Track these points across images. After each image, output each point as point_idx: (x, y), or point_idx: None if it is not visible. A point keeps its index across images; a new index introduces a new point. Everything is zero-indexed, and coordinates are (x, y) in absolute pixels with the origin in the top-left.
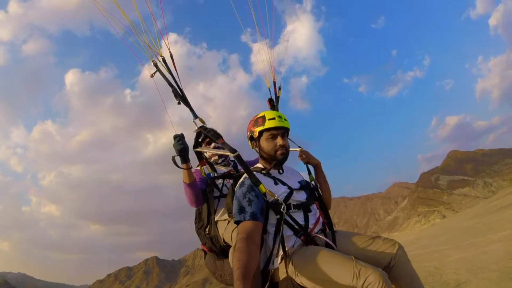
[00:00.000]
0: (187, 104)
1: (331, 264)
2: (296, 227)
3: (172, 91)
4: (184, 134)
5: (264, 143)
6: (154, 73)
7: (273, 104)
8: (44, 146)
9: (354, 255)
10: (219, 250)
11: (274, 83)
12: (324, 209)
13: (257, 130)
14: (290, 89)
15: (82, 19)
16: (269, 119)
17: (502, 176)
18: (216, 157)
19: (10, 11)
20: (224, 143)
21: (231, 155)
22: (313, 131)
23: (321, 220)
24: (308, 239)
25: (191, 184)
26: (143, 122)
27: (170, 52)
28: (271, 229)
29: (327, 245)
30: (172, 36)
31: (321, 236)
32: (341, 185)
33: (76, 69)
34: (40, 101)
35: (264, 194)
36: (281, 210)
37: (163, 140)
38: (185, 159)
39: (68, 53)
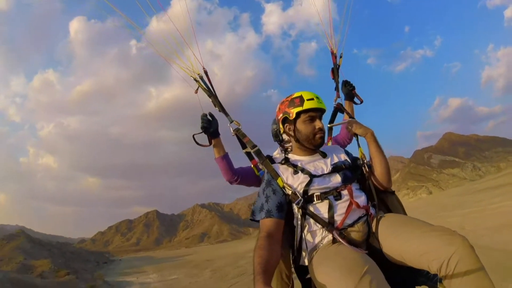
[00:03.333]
0: (223, 111)
1: (332, 275)
2: (323, 220)
3: (212, 101)
4: (212, 113)
5: (302, 126)
6: (197, 88)
7: (335, 74)
8: (44, 95)
9: (396, 251)
10: None
11: (332, 53)
12: (367, 190)
13: (294, 111)
14: (298, 53)
15: None
16: (307, 100)
17: (492, 162)
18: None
19: None
20: (248, 140)
21: (251, 151)
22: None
23: (354, 207)
24: (336, 234)
25: (219, 159)
26: (147, 76)
27: (204, 69)
28: (297, 223)
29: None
30: None
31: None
32: None
33: (81, 16)
34: (42, 49)
35: (283, 187)
36: (295, 204)
37: (166, 95)
38: (210, 136)
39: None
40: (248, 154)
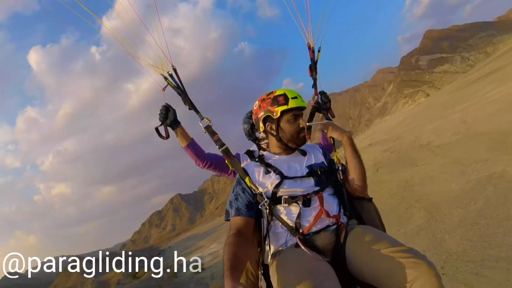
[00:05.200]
0: (194, 108)
1: (288, 279)
2: (288, 224)
3: (182, 99)
4: (169, 104)
5: (286, 125)
6: (166, 87)
7: (312, 71)
8: (32, 133)
9: (360, 268)
10: None
11: (309, 48)
12: (341, 197)
13: (278, 110)
14: None
15: None
16: (292, 98)
17: (478, 49)
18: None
19: None
20: (217, 139)
21: (219, 150)
22: (289, 37)
23: (323, 216)
24: (302, 239)
25: (185, 148)
26: (120, 75)
27: (173, 66)
28: (264, 223)
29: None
30: None
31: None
32: (326, 82)
33: (36, 46)
34: (12, 92)
35: (250, 187)
36: (259, 206)
37: (144, 86)
38: (166, 128)
39: (24, 34)
40: (225, 151)
